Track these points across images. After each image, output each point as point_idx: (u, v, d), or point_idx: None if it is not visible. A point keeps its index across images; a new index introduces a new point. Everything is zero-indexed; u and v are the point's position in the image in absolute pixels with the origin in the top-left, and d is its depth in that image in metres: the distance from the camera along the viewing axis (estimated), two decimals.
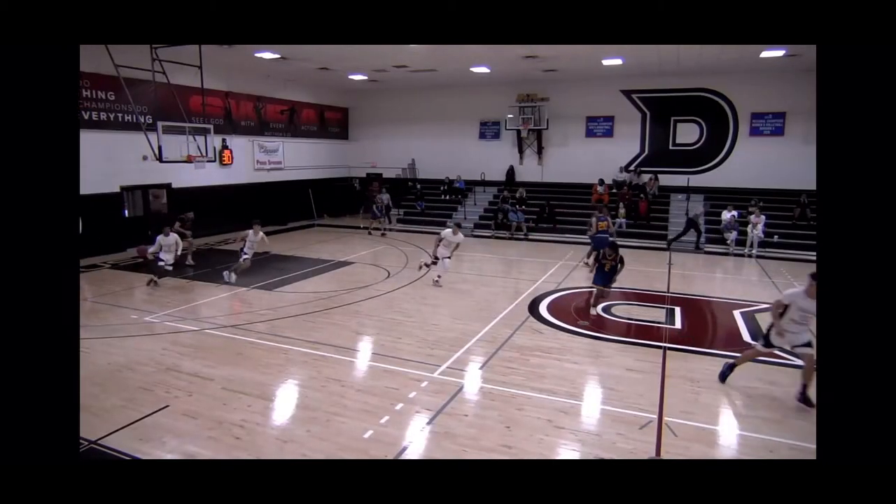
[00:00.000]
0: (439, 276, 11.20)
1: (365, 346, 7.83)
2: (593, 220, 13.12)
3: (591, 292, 9.69)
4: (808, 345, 5.96)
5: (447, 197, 21.45)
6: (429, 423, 5.45)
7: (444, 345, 7.65)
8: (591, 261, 11.82)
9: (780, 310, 6.13)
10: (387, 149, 23.31)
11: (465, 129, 21.92)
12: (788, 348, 6.27)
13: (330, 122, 23.09)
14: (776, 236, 15.81)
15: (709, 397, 6.20)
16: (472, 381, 6.58)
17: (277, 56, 15.44)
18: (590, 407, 6.02)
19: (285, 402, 6.05)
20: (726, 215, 15.98)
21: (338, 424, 5.41)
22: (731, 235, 15.58)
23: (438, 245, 11.07)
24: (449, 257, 11.12)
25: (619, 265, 9.37)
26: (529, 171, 21.18)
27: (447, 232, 11.10)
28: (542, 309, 9.57)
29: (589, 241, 13.43)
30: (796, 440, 5.21)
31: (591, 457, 4.90)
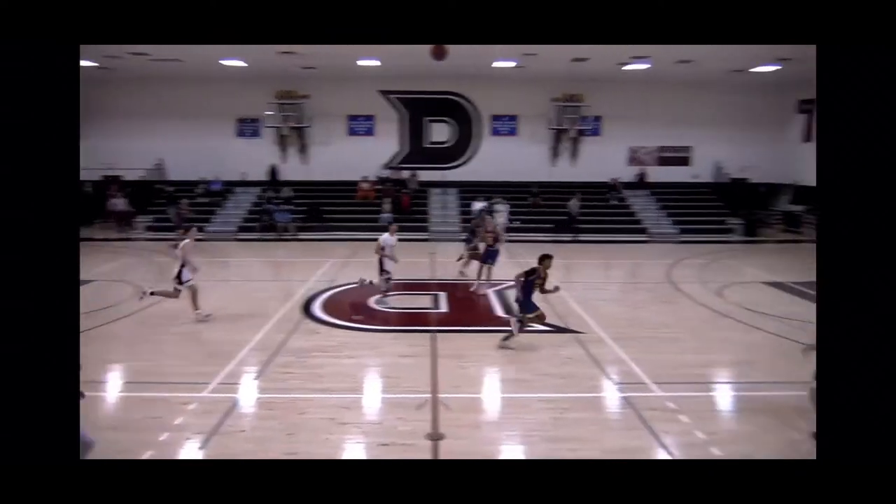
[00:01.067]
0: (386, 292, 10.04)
1: (115, 376, 6.83)
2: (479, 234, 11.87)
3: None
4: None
5: (202, 200, 19.70)
6: (202, 448, 5.03)
7: (214, 360, 7.10)
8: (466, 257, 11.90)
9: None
10: (127, 148, 20.32)
11: (221, 126, 20.36)
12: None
13: None
14: (518, 222, 18.23)
15: (474, 370, 6.94)
16: (248, 393, 6.26)
17: None
18: (370, 398, 6.24)
19: None
20: (476, 206, 17.88)
21: None
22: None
23: (383, 256, 9.79)
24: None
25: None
26: (294, 169, 20.69)
27: (387, 238, 9.85)
28: (317, 308, 9.52)
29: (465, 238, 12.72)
30: (544, 393, 6.16)
31: (374, 445, 5.09)
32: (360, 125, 20.54)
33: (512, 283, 11.25)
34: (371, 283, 10.16)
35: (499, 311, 9.66)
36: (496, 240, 11.18)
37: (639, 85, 19.39)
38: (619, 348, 7.64)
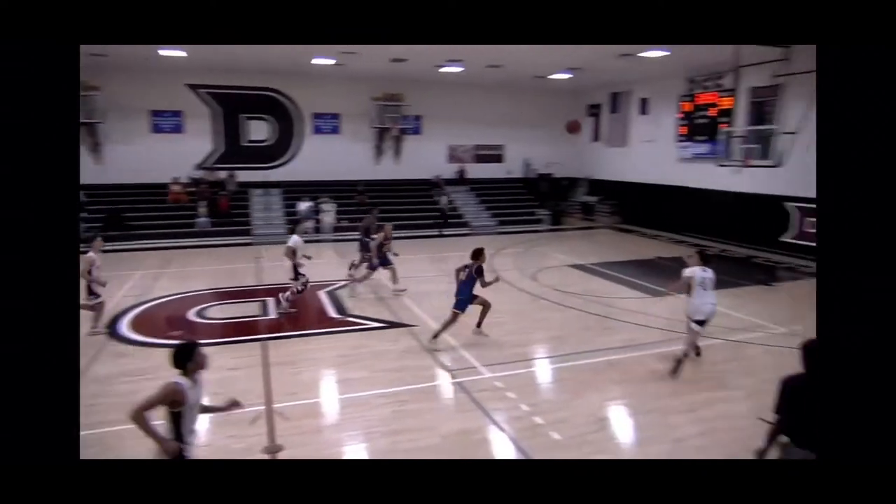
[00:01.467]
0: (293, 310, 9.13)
1: None
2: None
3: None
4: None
5: None
6: None
7: None
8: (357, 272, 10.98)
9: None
10: None
11: None
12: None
13: None
14: (345, 221, 18.12)
15: (309, 375, 6.79)
16: None
17: None
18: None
19: None
20: (302, 206, 17.42)
21: None
22: (308, 224, 17.13)
23: (295, 259, 9.09)
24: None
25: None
26: (86, 171, 18.03)
27: (297, 239, 9.24)
28: (125, 328, 8.49)
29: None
30: (382, 389, 6.26)
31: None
32: (167, 122, 18.60)
33: (344, 282, 11.26)
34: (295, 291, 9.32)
35: (331, 312, 9.54)
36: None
37: (455, 86, 20.48)
38: (449, 337, 8.05)
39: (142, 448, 3.64)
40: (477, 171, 22.13)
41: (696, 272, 6.94)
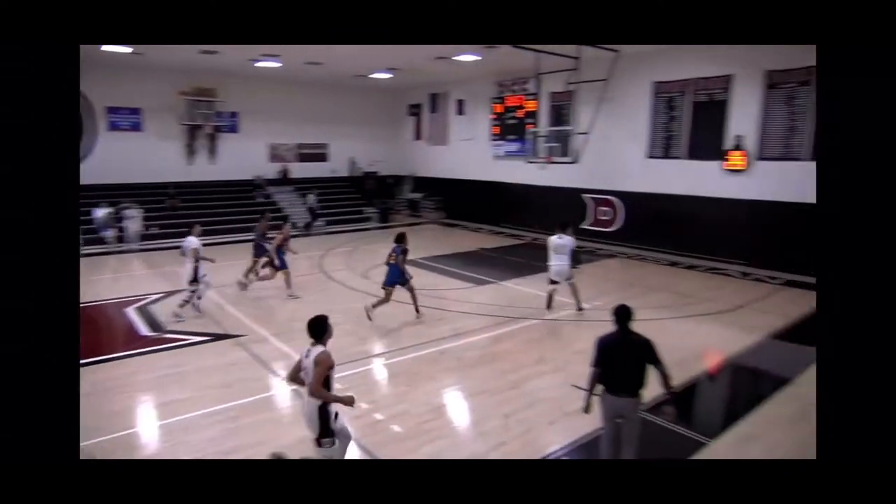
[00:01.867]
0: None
1: None
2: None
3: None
4: None
5: None
6: None
7: None
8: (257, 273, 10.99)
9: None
10: None
11: None
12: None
13: None
14: (154, 228, 16.36)
15: (122, 402, 6.05)
16: None
17: None
18: None
19: None
20: (99, 213, 15.31)
21: None
22: (109, 233, 15.14)
23: (198, 259, 9.02)
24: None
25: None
26: None
27: (193, 240, 9.21)
28: None
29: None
30: (210, 407, 5.83)
31: None
32: None
33: (160, 296, 10.20)
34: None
35: (143, 330, 8.58)
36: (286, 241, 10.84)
37: (274, 83, 19.61)
38: (281, 343, 7.77)
39: None
40: (301, 170, 21.48)
41: (553, 239, 9.24)
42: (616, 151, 15.62)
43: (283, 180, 20.84)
